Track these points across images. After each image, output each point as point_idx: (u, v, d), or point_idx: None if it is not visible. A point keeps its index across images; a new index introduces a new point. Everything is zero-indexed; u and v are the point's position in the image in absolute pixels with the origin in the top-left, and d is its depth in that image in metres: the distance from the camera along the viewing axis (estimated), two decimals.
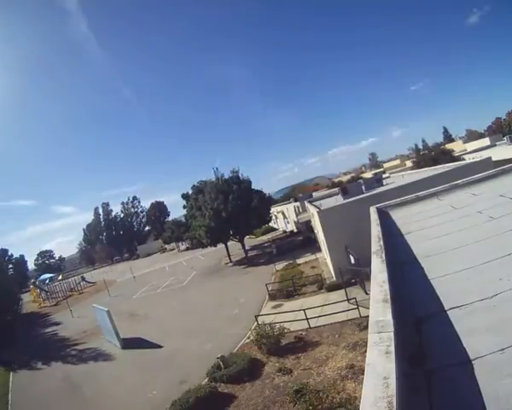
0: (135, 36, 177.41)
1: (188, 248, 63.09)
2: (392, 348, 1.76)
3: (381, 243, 3.88)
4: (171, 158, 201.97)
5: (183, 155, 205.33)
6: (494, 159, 18.78)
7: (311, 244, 28.93)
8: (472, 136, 63.67)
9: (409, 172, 30.99)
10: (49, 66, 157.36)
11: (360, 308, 12.69)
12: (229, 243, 35.28)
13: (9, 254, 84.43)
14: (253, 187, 33.55)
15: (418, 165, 38.63)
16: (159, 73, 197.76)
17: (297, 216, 35.47)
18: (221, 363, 11.72)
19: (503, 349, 1.89)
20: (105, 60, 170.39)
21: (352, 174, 69.29)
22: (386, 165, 66.89)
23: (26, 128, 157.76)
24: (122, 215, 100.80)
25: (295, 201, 41.26)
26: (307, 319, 13.38)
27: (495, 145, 35.23)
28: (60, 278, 55.15)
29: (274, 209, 44.15)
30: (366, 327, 2.05)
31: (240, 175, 33.00)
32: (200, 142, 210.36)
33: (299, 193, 53.99)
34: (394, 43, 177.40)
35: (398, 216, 6.12)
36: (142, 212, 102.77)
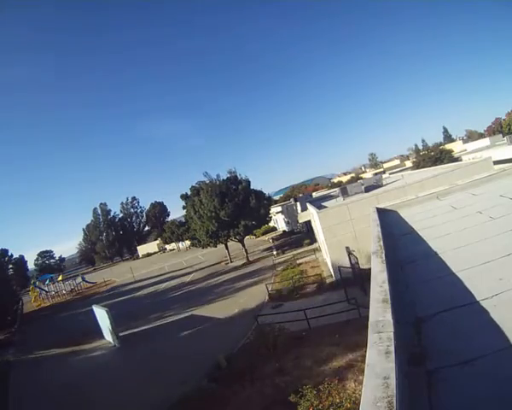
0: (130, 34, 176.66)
1: (188, 249, 63.19)
2: (392, 348, 1.76)
3: (381, 243, 3.88)
4: (171, 157, 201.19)
5: (184, 154, 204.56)
6: (494, 159, 18.80)
7: (310, 242, 29.11)
8: (472, 136, 63.77)
9: (409, 172, 31.02)
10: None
11: (360, 308, 12.69)
12: (229, 243, 35.29)
13: (9, 254, 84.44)
14: (252, 187, 33.51)
15: (418, 165, 38.71)
16: (159, 69, 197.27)
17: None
18: (220, 363, 11.73)
19: (503, 349, 1.89)
20: (102, 59, 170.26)
21: (352, 174, 69.21)
22: (386, 165, 66.91)
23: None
24: (121, 215, 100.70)
25: (295, 200, 41.29)
26: (307, 319, 13.38)
27: (495, 145, 35.24)
28: (59, 278, 55.13)
29: (274, 209, 44.20)
30: (366, 327, 2.04)
31: (238, 175, 32.94)
32: (201, 140, 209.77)
33: (299, 193, 54.01)
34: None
35: (398, 216, 6.13)
36: (141, 212, 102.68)
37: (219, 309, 19.92)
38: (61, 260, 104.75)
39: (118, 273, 57.72)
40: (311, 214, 24.69)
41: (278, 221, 48.98)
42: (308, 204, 26.98)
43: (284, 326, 12.72)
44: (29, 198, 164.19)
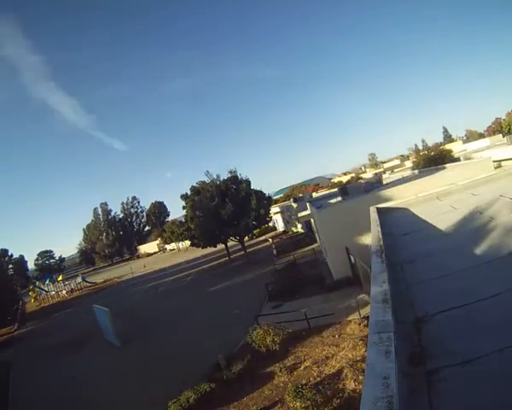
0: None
1: (187, 249, 63.24)
2: (392, 348, 1.77)
3: (381, 243, 3.89)
4: (171, 157, 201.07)
5: (184, 154, 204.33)
6: (494, 159, 18.81)
7: (310, 242, 29.12)
8: (472, 136, 63.74)
9: (409, 172, 30.99)
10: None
11: (360, 308, 12.70)
12: (229, 243, 35.34)
13: (9, 254, 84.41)
14: (252, 187, 33.50)
15: (418, 165, 38.66)
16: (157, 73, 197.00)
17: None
18: (220, 363, 11.74)
19: (503, 349, 1.89)
20: (106, 61, 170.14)
21: (352, 174, 69.20)
22: (385, 165, 66.85)
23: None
24: (121, 215, 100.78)
25: (295, 201, 41.34)
26: (307, 319, 13.38)
27: (495, 145, 35.22)
28: (59, 278, 55.18)
29: (274, 209, 44.25)
30: (366, 327, 2.03)
31: (238, 175, 32.95)
32: (201, 140, 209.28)
33: (299, 193, 54.05)
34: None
35: (398, 216, 6.13)
36: (141, 212, 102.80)
37: (218, 309, 19.95)
38: (61, 260, 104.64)
39: (118, 272, 57.76)
40: (310, 214, 24.70)
41: (278, 221, 49.01)
42: (308, 204, 26.98)
43: (284, 326, 12.71)
44: (29, 198, 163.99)
